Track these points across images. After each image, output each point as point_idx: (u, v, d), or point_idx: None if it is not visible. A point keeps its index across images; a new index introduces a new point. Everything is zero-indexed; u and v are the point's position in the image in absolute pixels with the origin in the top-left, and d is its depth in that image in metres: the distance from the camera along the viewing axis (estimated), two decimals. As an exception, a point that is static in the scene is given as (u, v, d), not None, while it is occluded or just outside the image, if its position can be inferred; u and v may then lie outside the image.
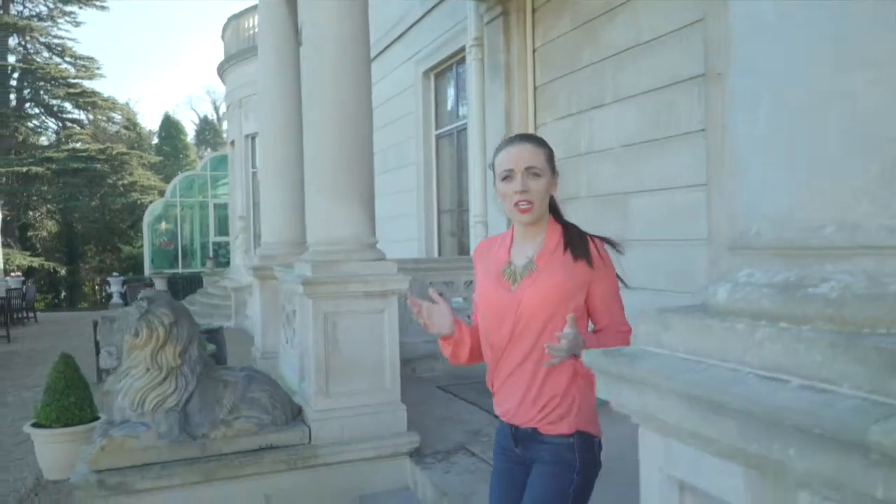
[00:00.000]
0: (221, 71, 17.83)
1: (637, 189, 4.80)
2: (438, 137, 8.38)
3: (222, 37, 18.05)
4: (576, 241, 1.89)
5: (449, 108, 8.33)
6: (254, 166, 16.85)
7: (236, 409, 3.41)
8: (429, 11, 8.04)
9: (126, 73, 64.03)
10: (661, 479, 1.04)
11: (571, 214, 5.70)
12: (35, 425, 5.69)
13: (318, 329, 3.47)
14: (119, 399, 3.24)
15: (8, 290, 16.07)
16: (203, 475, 3.23)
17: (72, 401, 5.62)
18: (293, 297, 4.84)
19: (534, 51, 5.98)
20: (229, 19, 17.30)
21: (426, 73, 8.31)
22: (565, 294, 1.85)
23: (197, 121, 48.73)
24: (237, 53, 16.69)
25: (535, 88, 5.96)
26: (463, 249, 7.86)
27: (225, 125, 50.01)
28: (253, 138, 16.71)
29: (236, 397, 3.42)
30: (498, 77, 6.20)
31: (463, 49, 7.28)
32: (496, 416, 1.99)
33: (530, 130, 5.95)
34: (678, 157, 4.48)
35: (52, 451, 5.69)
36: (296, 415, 3.64)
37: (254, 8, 16.37)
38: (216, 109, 51.24)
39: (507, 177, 1.85)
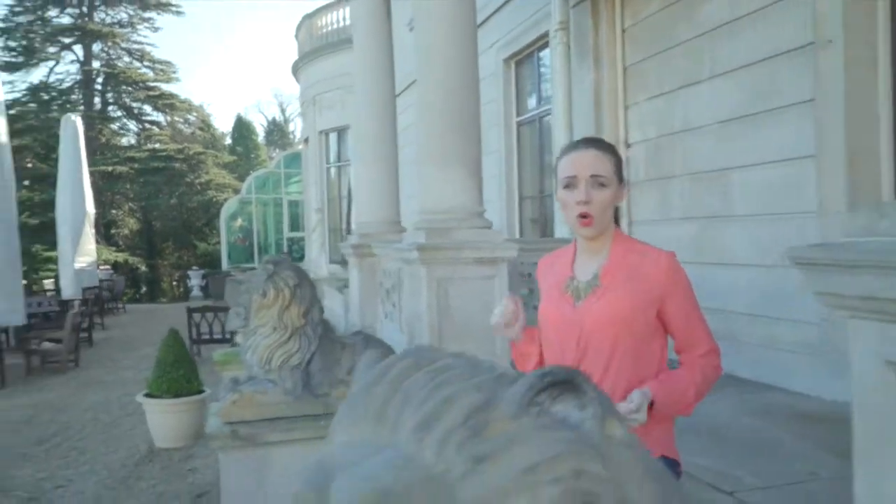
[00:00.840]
0: (295, 69, 18.31)
1: (738, 164, 4.75)
2: (520, 124, 8.44)
3: (296, 36, 18.53)
4: (641, 257, 1.77)
5: (530, 94, 8.38)
6: (328, 161, 17.26)
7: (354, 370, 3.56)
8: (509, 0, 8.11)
9: (199, 77, 66.38)
10: (876, 363, 1.08)
11: (667, 194, 5.71)
12: (147, 396, 6.03)
13: (431, 294, 3.59)
14: (248, 356, 3.44)
15: (101, 281, 16.91)
16: (326, 431, 3.38)
17: (181, 373, 5.92)
18: (392, 273, 4.99)
19: (623, 31, 5.98)
20: (303, 18, 17.75)
21: (507, 61, 8.38)
22: (632, 312, 1.73)
23: (265, 123, 50.10)
24: (311, 52, 17.11)
25: (624, 69, 5.96)
26: (544, 235, 7.90)
27: (291, 126, 51.26)
28: (327, 134, 17.12)
29: (354, 359, 3.57)
30: (585, 60, 6.22)
31: (545, 35, 7.32)
32: None
33: (620, 111, 5.95)
34: (781, 129, 4.42)
35: (163, 420, 6.02)
36: (406, 379, 3.77)
37: (327, 6, 16.78)
38: (283, 111, 52.56)
39: (570, 184, 1.72)
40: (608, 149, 1.77)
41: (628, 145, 5.93)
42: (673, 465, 1.73)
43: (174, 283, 31.43)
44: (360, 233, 5.56)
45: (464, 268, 3.64)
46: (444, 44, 3.69)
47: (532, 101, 8.34)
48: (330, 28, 16.68)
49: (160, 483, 5.19)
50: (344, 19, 16.13)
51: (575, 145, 1.81)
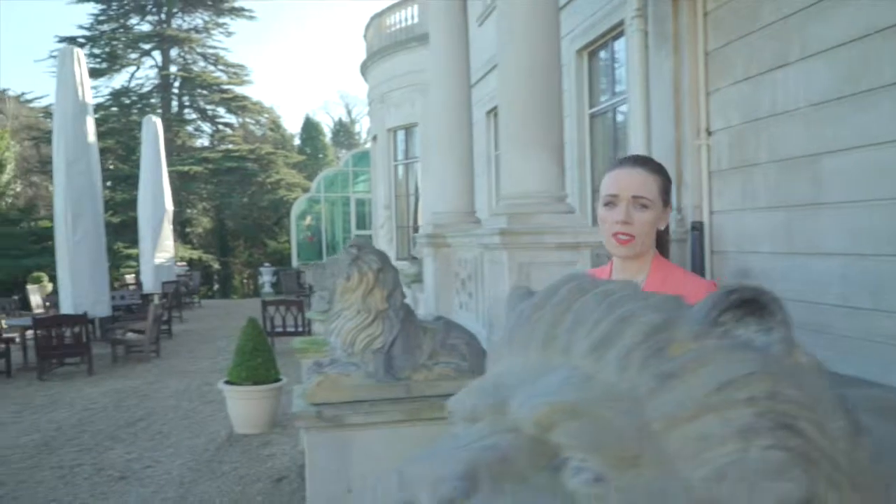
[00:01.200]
0: (364, 69, 18.53)
1: (831, 149, 4.52)
2: (592, 116, 8.29)
3: (364, 36, 18.77)
4: (682, 285, 1.63)
5: (603, 85, 8.23)
6: (395, 159, 17.41)
7: (435, 355, 3.57)
8: (582, -11, 7.97)
9: (268, 79, 68.12)
10: None
11: (752, 182, 5.47)
12: (227, 383, 6.20)
13: (512, 279, 3.54)
14: (332, 339, 3.48)
15: (178, 277, 17.55)
16: (407, 415, 3.40)
17: (259, 362, 6.06)
18: (469, 262, 4.97)
19: (704, 16, 5.77)
20: (372, 18, 17.96)
21: (579, 52, 8.23)
22: None
23: (331, 124, 51.04)
24: (379, 51, 17.29)
25: (706, 54, 5.75)
26: (618, 228, 7.72)
27: (357, 127, 52.00)
28: (395, 132, 17.26)
29: (435, 343, 3.57)
30: (664, 46, 6.04)
31: (620, 24, 7.16)
32: None
33: (702, 97, 5.76)
34: (878, 111, 4.18)
35: (242, 406, 6.17)
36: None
37: (396, 5, 16.92)
38: (349, 112, 53.44)
39: (610, 202, 1.65)
40: (657, 170, 1.68)
41: (709, 133, 5.73)
42: None
43: (245, 280, 32.36)
44: (435, 223, 5.57)
45: (546, 253, 3.59)
46: (526, 28, 3.65)
47: (605, 93, 8.18)
48: (398, 27, 16.82)
49: (241, 466, 5.33)
50: (412, 17, 16.26)
51: (622, 162, 1.71)
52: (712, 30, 5.71)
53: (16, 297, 15.17)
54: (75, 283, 10.62)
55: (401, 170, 17.42)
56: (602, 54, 8.14)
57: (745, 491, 0.52)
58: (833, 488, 0.57)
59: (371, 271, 3.40)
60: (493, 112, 11.72)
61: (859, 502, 0.59)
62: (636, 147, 6.68)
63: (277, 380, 6.28)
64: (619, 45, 7.57)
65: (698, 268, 5.44)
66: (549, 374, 0.61)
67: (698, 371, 0.58)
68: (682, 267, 1.78)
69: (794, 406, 0.57)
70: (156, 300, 11.74)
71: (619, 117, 7.89)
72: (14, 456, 5.75)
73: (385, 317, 3.44)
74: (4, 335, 9.69)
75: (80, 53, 11.39)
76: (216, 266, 29.56)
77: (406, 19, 16.52)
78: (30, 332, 10.41)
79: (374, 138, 18.45)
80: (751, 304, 0.61)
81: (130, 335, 10.43)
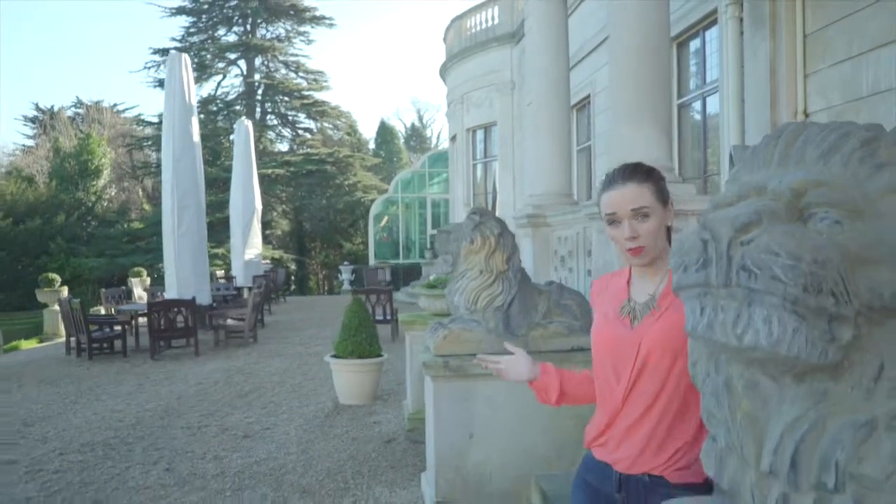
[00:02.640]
0: (443, 71, 18.94)
1: (938, 124, 4.54)
2: (681, 106, 8.37)
3: (444, 39, 19.18)
4: None
5: (692, 75, 8.30)
6: (474, 158, 17.73)
7: (549, 314, 3.82)
8: (672, -19, 8.08)
9: (344, 85, 69.82)
10: None
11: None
12: (333, 357, 6.61)
13: (623, 245, 3.76)
14: (455, 297, 3.78)
15: (267, 272, 18.38)
16: (525, 368, 3.65)
17: (363, 337, 6.44)
18: (570, 239, 5.19)
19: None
20: (452, 21, 18.35)
21: (670, 41, 8.34)
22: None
23: (403, 129, 51.94)
24: (459, 52, 17.66)
25: (804, 37, 5.81)
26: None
27: (428, 132, 52.68)
28: (474, 131, 17.59)
29: (550, 304, 3.82)
30: (761, 31, 6.12)
31: (713, 13, 7.26)
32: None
33: (799, 79, 5.81)
34: None
35: (346, 378, 6.57)
36: (595, 328, 3.98)
37: (475, 8, 17.26)
38: (420, 118, 54.29)
39: (613, 221, 1.72)
40: (646, 177, 1.71)
41: (806, 115, 5.77)
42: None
43: (321, 280, 33.30)
44: (534, 204, 5.82)
45: (655, 220, 3.79)
46: (637, 6, 3.87)
47: (693, 82, 8.26)
48: (478, 28, 17.14)
49: (351, 430, 5.70)
50: (493, 18, 16.56)
51: (611, 181, 1.74)
52: (811, 12, 5.76)
53: (123, 288, 16.23)
54: (179, 272, 11.34)
55: (479, 168, 17.73)
56: (691, 45, 8.22)
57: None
58: None
59: (493, 235, 3.68)
60: (576, 107, 11.90)
61: None
62: (728, 131, 6.76)
63: (379, 355, 6.65)
64: (711, 34, 7.66)
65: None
66: (791, 173, 0.86)
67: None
68: None
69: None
70: (253, 290, 12.39)
71: (708, 106, 7.96)
72: (147, 417, 6.31)
73: (505, 278, 3.72)
74: (120, 319, 10.48)
75: (186, 59, 12.20)
76: (293, 266, 30.56)
77: (486, 21, 16.83)
78: (140, 319, 11.27)
79: (453, 138, 18.82)
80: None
81: (230, 322, 11.08)
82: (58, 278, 13.91)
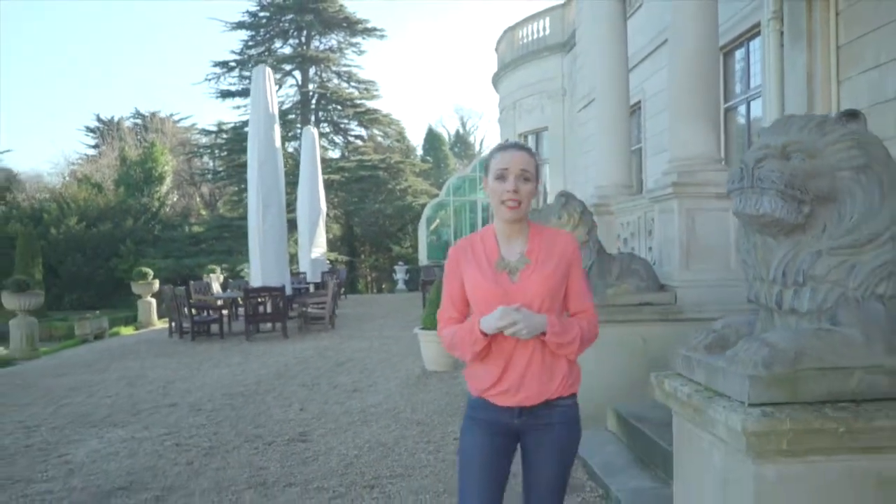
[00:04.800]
0: (496, 79, 19.94)
1: (950, 122, 5.33)
2: (727, 110, 9.20)
3: (496, 49, 20.18)
4: (553, 237, 2.13)
5: (738, 81, 9.12)
6: (526, 161, 18.66)
7: (621, 277, 4.77)
8: (717, -3, 8.94)
9: (391, 93, 71.38)
10: None
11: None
12: (421, 329, 7.63)
13: (682, 221, 4.70)
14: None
15: (331, 270, 19.58)
16: (602, 317, 4.50)
17: (448, 311, 7.43)
18: (632, 223, 6.12)
19: (837, 14, 6.66)
20: (504, 32, 19.34)
21: (718, 51, 9.19)
22: (557, 283, 2.07)
23: (447, 136, 53.04)
24: (511, 62, 18.64)
25: (837, 48, 6.63)
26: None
27: (472, 139, 53.65)
28: (526, 136, 18.53)
29: (622, 268, 4.77)
30: (798, 43, 6.96)
31: (756, 25, 8.10)
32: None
33: (833, 86, 6.64)
34: None
35: (431, 348, 7.58)
36: (659, 290, 4.91)
37: (528, 19, 18.23)
38: (464, 125, 55.40)
39: (501, 176, 2.02)
40: (532, 153, 2.12)
41: (840, 117, 6.61)
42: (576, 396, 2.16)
43: (370, 283, 34.44)
44: (599, 195, 6.76)
45: (707, 201, 4.71)
46: (691, 20, 4.82)
47: (739, 87, 9.08)
48: (529, 38, 18.11)
49: (443, 387, 6.71)
50: (544, 29, 17.51)
51: (506, 146, 2.09)
52: (843, 26, 6.60)
53: (205, 282, 17.58)
54: (264, 264, 12.52)
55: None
56: (737, 54, 9.05)
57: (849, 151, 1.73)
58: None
59: (576, 213, 4.65)
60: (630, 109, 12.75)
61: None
62: (771, 133, 7.59)
63: (460, 329, 7.65)
64: (754, 44, 8.49)
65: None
66: (783, 137, 1.82)
67: (839, 130, 1.78)
68: (552, 228, 2.28)
69: (864, 137, 1.76)
70: (330, 282, 13.53)
71: (752, 109, 8.77)
72: (265, 378, 7.43)
73: (586, 247, 4.68)
74: (219, 305, 11.72)
75: (269, 72, 13.43)
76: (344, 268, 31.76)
77: (538, 31, 17.78)
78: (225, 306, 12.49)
79: (506, 143, 19.78)
80: (852, 114, 1.81)
81: (311, 310, 12.23)
82: (150, 272, 15.29)
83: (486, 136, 54.83)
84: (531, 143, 18.55)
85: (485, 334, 2.00)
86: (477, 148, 52.05)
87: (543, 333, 1.98)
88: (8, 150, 55.02)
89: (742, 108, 9.03)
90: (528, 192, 2.04)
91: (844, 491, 1.66)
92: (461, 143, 53.59)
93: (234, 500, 3.76)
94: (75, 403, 6.51)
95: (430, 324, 7.51)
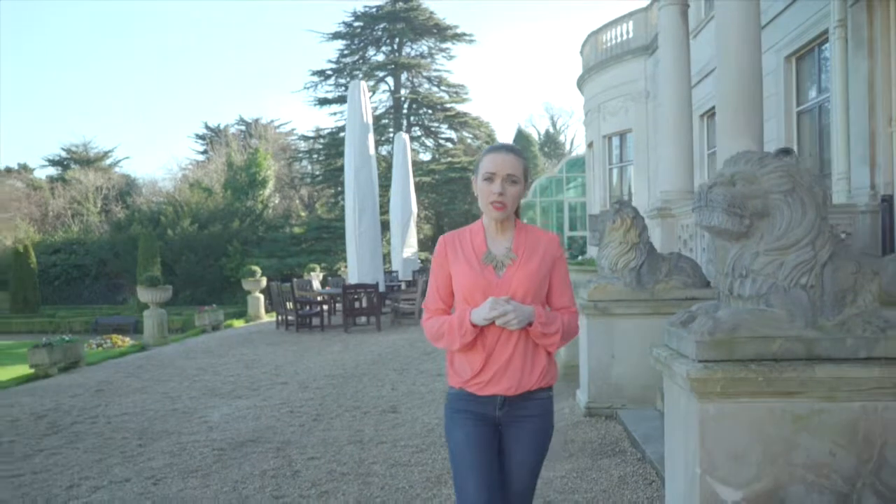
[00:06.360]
0: (581, 82, 20.38)
1: None
2: (800, 114, 9.45)
3: (581, 52, 20.62)
4: (539, 236, 2.25)
5: (810, 86, 9.36)
6: (610, 163, 19.04)
7: (669, 274, 5.36)
8: (789, 5, 9.21)
9: (479, 94, 72.33)
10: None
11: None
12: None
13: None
14: (602, 261, 5.42)
15: (423, 269, 20.60)
16: (651, 310, 5.24)
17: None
18: (690, 226, 6.66)
19: (897, 24, 6.93)
20: (588, 36, 19.76)
21: (788, 58, 9.46)
22: (542, 278, 2.19)
23: (537, 136, 53.28)
24: (595, 65, 19.05)
25: (897, 56, 6.91)
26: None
27: (562, 138, 53.68)
28: (610, 138, 18.91)
29: (670, 267, 5.37)
30: (860, 50, 7.24)
31: (825, 32, 8.36)
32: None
33: (893, 92, 6.92)
34: None
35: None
36: (705, 287, 5.47)
37: (612, 23, 18.60)
38: (554, 124, 55.47)
39: (489, 178, 2.13)
40: (521, 155, 2.20)
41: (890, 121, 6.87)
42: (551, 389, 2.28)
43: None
44: (663, 199, 7.32)
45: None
46: (736, 46, 5.36)
47: (812, 92, 9.31)
48: (613, 42, 18.47)
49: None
50: (627, 33, 17.85)
51: (497, 148, 2.19)
52: (903, 36, 6.86)
53: (307, 279, 19.01)
54: (360, 263, 13.63)
55: (615, 173, 19.00)
56: (809, 58, 9.30)
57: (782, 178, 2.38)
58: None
59: (629, 217, 5.29)
60: (705, 115, 13.04)
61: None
62: (837, 137, 7.87)
63: (535, 322, 8.36)
64: (826, 48, 8.74)
65: (888, 231, 6.61)
66: (732, 168, 2.49)
67: (774, 163, 2.44)
68: (538, 227, 2.38)
69: (792, 168, 2.41)
70: (421, 278, 14.51)
71: (825, 112, 9.00)
72: (362, 364, 8.42)
73: (637, 248, 5.31)
74: (320, 300, 12.91)
75: (363, 85, 14.55)
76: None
77: (621, 35, 18.14)
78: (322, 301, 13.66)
79: (590, 145, 20.20)
80: (785, 151, 2.46)
81: (403, 305, 13.22)
82: (259, 270, 16.78)
83: (577, 135, 54.67)
84: (615, 144, 18.92)
85: (474, 326, 2.09)
86: (567, 147, 52.13)
87: (529, 324, 2.10)
88: (126, 158, 59.70)
89: (815, 112, 9.26)
90: (514, 195, 2.15)
91: (767, 423, 2.32)
92: (551, 142, 53.72)
93: (337, 451, 4.68)
94: (205, 380, 7.70)
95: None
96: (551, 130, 55.15)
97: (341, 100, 33.79)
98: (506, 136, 48.05)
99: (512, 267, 2.16)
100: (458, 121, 34.41)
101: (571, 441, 4.76)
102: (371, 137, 14.53)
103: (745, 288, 2.45)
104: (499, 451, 2.22)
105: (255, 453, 4.70)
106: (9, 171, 41.16)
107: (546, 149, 51.62)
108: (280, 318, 12.97)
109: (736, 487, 2.32)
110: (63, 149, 43.26)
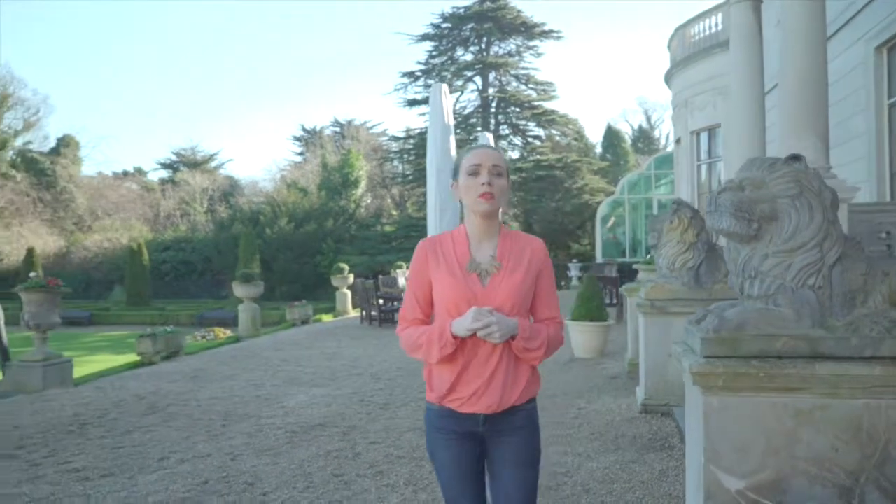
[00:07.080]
0: (668, 77, 19.97)
1: None
2: (891, 106, 9.02)
3: (668, 46, 20.19)
4: (525, 242, 2.16)
5: (902, 77, 8.92)
6: (698, 159, 18.57)
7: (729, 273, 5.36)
8: (881, -7, 8.81)
9: (570, 91, 71.50)
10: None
11: None
12: (570, 321, 8.51)
13: (786, 223, 5.20)
14: (660, 261, 5.48)
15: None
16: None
17: (594, 305, 8.27)
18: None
19: None
20: (676, 30, 19.33)
21: (878, 49, 9.04)
22: (528, 288, 2.10)
23: (630, 131, 52.16)
24: (682, 60, 18.62)
25: None
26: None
27: (656, 133, 52.32)
28: (698, 134, 18.45)
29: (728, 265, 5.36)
30: (952, 40, 6.91)
31: (917, 21, 7.98)
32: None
33: None
34: None
35: (581, 337, 8.43)
36: (768, 286, 5.43)
37: (699, 16, 18.13)
38: (648, 119, 54.13)
39: (475, 172, 2.06)
40: (501, 152, 2.20)
41: None
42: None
43: (550, 278, 35.11)
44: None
45: (812, 205, 5.17)
46: (801, 51, 5.29)
47: (905, 83, 8.87)
48: (701, 36, 18.01)
49: (585, 371, 7.56)
50: (715, 26, 17.35)
51: (477, 146, 2.16)
52: None
53: (393, 276, 19.62)
54: (441, 261, 13.98)
55: (703, 169, 18.52)
56: (900, 48, 8.86)
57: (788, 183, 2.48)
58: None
59: (686, 218, 5.33)
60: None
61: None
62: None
63: (605, 321, 8.43)
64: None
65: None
66: (743, 174, 2.60)
67: (783, 169, 2.54)
68: (523, 233, 2.26)
69: (801, 173, 2.50)
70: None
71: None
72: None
73: (695, 247, 5.34)
74: (402, 296, 13.35)
75: (445, 88, 14.85)
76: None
77: (709, 28, 17.65)
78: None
79: (678, 141, 19.76)
80: (795, 157, 2.54)
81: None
82: (346, 267, 17.49)
83: (672, 131, 53.12)
84: (704, 140, 18.44)
85: (455, 337, 2.01)
86: (662, 143, 50.76)
87: (513, 337, 2.03)
88: (230, 160, 62.91)
89: (909, 104, 8.82)
90: (501, 186, 2.08)
91: (769, 417, 2.42)
92: (644, 138, 52.45)
93: (398, 437, 5.00)
94: (287, 370, 8.25)
95: (579, 315, 8.38)
96: (645, 126, 53.89)
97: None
98: (595, 133, 47.36)
99: (497, 276, 2.08)
100: (545, 118, 34.29)
101: (623, 436, 4.88)
102: (452, 139, 14.83)
103: (755, 288, 2.55)
104: (491, 474, 2.17)
105: (322, 436, 5.09)
106: (125, 174, 44.40)
107: (640, 144, 50.51)
108: (364, 313, 13.51)
109: (739, 477, 2.44)
110: (173, 152, 46.30)
